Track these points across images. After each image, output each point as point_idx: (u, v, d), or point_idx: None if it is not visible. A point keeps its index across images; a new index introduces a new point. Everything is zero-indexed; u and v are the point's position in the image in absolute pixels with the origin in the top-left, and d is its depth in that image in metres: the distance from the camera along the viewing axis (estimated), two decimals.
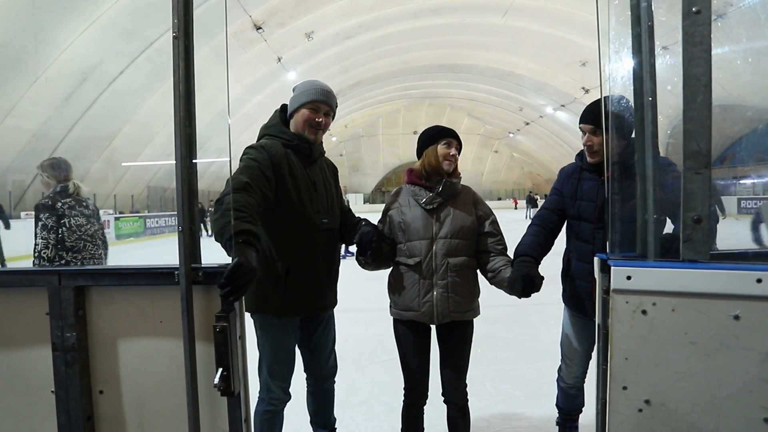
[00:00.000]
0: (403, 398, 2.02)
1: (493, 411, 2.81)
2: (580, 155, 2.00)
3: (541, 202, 27.12)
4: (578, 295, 1.99)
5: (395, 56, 23.71)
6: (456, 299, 1.87)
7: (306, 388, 2.15)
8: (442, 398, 2.00)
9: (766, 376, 0.99)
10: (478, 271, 1.97)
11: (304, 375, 2.11)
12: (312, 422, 2.19)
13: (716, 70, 1.03)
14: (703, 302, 1.02)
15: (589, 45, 19.81)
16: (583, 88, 23.87)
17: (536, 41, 21.12)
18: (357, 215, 2.16)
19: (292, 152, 1.88)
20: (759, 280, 0.98)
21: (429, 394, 2.02)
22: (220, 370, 1.20)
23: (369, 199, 43.23)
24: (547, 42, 20.88)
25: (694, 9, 1.02)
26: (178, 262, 1.25)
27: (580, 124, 1.93)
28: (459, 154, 1.98)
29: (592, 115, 1.86)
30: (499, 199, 42.50)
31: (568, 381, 2.19)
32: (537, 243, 1.91)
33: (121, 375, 1.36)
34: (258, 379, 1.93)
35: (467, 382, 2.00)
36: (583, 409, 2.30)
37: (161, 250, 14.00)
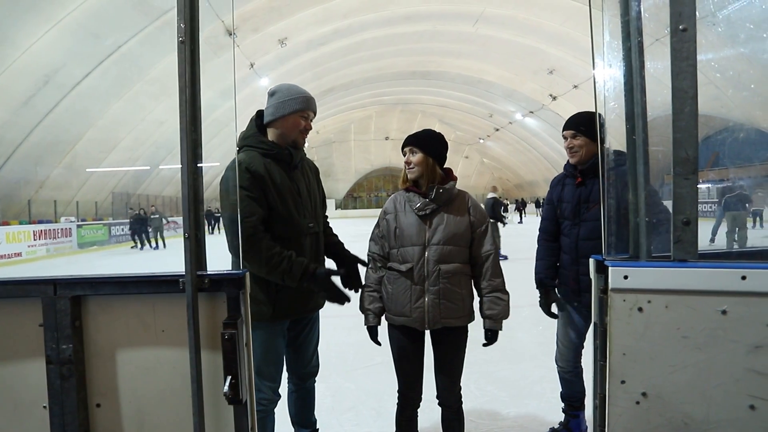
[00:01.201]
0: (396, 401, 2.03)
1: (480, 412, 2.86)
2: (566, 164, 2.26)
3: (511, 207, 27.87)
4: (564, 282, 2.25)
5: (368, 63, 23.82)
6: (448, 305, 1.88)
7: (287, 389, 2.18)
8: (437, 401, 2.02)
9: (751, 366, 1.07)
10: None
11: (285, 376, 2.14)
12: (294, 422, 2.23)
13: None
14: (693, 299, 1.10)
15: (556, 53, 20.53)
16: (551, 95, 24.65)
17: (506, 49, 21.69)
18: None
19: (273, 161, 1.89)
20: (743, 277, 1.07)
21: (423, 396, 2.03)
22: (229, 378, 1.19)
23: (341, 205, 43.12)
24: (516, 50, 21.48)
25: (681, 27, 1.10)
26: (173, 270, 1.25)
27: (563, 131, 2.20)
28: (430, 155, 1.91)
29: (570, 124, 2.18)
30: None
31: (560, 363, 2.38)
32: (552, 264, 2.30)
33: (119, 387, 1.32)
34: None
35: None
36: (584, 399, 2.41)
37: (127, 259, 13.52)
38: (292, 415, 2.21)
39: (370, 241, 2.06)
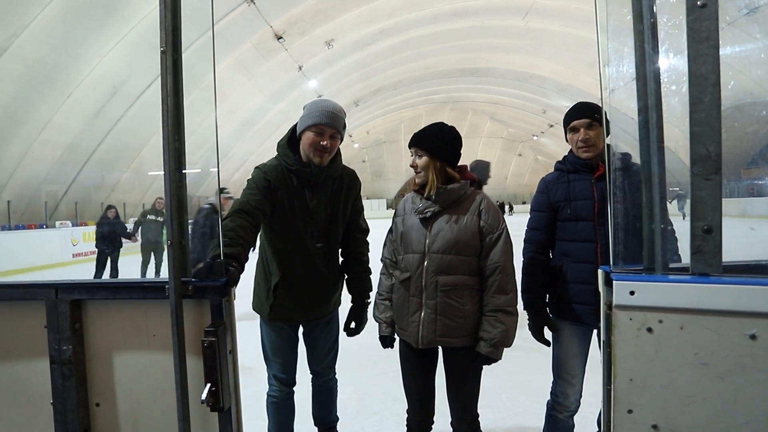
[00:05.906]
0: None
1: (509, 424, 2.71)
2: (562, 161, 2.00)
3: None
4: (577, 300, 1.90)
5: (416, 61, 23.67)
6: (446, 323, 1.67)
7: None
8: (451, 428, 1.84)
9: None
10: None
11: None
12: (312, 415, 2.31)
13: (751, 66, 0.96)
14: (714, 320, 0.94)
15: None
16: (608, 88, 23.29)
17: (558, 42, 20.72)
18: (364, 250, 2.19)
19: (295, 176, 1.90)
20: None
21: (438, 418, 1.88)
22: (209, 385, 1.18)
23: (392, 205, 43.31)
24: (569, 42, 20.45)
25: (699, 3, 0.95)
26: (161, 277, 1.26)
27: (572, 122, 1.93)
28: (437, 158, 1.71)
29: (582, 111, 1.89)
30: (524, 203, 41.75)
31: (570, 406, 2.00)
32: (545, 281, 1.98)
33: (116, 388, 1.36)
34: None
35: (479, 410, 1.81)
36: None
37: None
38: (312, 408, 2.29)
39: (383, 245, 1.93)
